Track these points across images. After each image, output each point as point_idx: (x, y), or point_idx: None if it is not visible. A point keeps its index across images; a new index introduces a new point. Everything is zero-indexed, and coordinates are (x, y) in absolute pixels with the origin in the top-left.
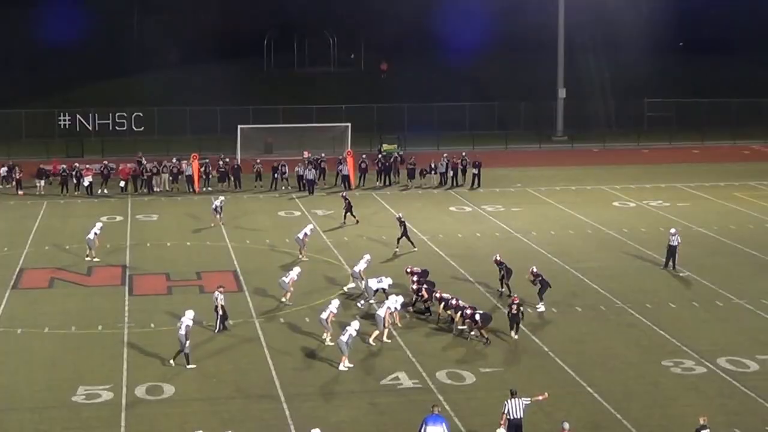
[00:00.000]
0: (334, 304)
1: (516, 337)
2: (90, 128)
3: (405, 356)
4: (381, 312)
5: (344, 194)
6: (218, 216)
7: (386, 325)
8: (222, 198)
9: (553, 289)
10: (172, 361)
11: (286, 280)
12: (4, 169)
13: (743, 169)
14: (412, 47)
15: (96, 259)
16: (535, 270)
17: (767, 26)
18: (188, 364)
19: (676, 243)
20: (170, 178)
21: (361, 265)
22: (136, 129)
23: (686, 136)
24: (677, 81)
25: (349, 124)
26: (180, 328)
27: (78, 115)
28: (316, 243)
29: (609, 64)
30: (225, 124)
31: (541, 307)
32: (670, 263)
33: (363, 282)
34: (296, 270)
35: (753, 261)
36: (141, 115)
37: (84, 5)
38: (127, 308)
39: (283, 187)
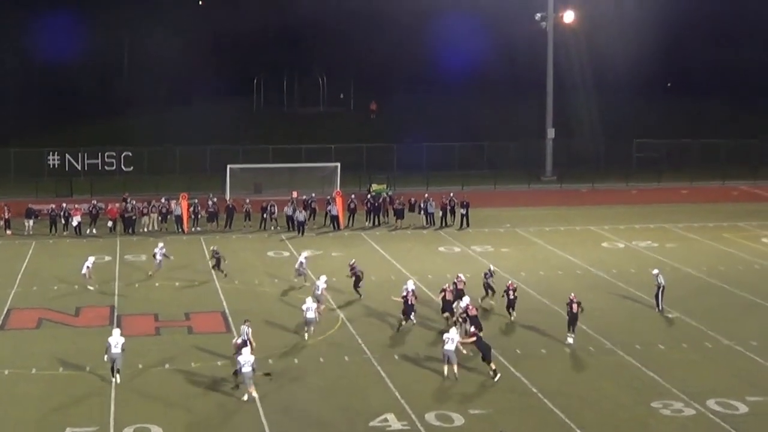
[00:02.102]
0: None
1: (571, 339)
2: (79, 168)
3: (393, 397)
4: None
5: (353, 264)
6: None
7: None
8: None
9: (542, 329)
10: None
11: (318, 292)
12: None
13: (732, 210)
14: (401, 87)
15: (96, 286)
16: (572, 296)
17: (754, 69)
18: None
19: (662, 283)
20: (159, 217)
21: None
22: (125, 168)
23: (675, 176)
24: (666, 121)
25: (339, 164)
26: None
27: (67, 155)
28: (306, 282)
29: (598, 104)
30: (214, 164)
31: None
32: (660, 303)
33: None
34: (323, 278)
35: (742, 302)
36: (130, 154)
37: (74, 46)
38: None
39: (273, 227)
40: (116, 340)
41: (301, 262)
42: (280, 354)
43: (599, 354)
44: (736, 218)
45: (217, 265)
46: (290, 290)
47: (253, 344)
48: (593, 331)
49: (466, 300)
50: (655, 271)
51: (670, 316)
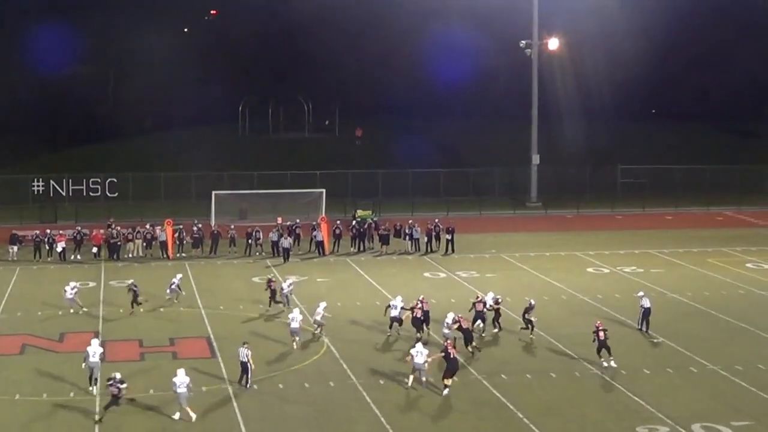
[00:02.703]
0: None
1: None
2: (63, 193)
3: (380, 423)
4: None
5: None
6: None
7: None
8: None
9: (528, 355)
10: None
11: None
12: None
13: (716, 235)
14: (387, 113)
15: (84, 309)
16: (598, 323)
17: (739, 94)
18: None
19: (647, 305)
20: (144, 244)
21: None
22: (110, 194)
23: (660, 202)
24: (650, 147)
25: (324, 190)
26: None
27: (52, 181)
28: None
29: (583, 130)
30: (200, 190)
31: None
32: (644, 325)
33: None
34: (322, 305)
35: (727, 327)
36: (115, 180)
37: (59, 71)
38: (99, 375)
39: (258, 253)
40: (94, 349)
41: (283, 288)
42: (265, 379)
43: (584, 378)
44: (721, 244)
45: (135, 300)
46: (275, 316)
47: (253, 366)
48: (578, 355)
49: (450, 315)
50: (640, 293)
51: (655, 341)
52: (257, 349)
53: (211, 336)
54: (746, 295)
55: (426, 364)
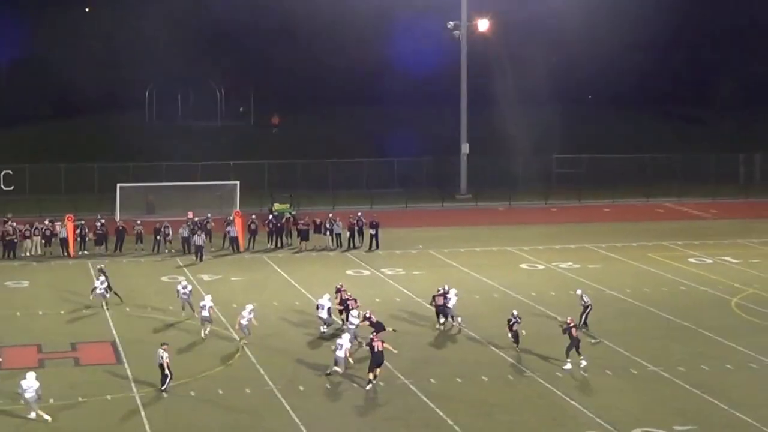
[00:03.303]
0: (346, 339)
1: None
2: None
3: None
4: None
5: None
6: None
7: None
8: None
9: (458, 357)
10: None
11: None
12: None
13: (657, 229)
14: (305, 99)
15: None
16: (569, 321)
17: (679, 80)
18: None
19: (588, 302)
20: (42, 241)
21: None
22: (5, 188)
23: (597, 193)
24: (586, 136)
25: (238, 182)
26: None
27: None
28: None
29: (516, 118)
30: (103, 183)
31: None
32: (583, 322)
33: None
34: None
35: (668, 325)
36: (10, 172)
37: None
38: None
39: (167, 250)
40: (29, 383)
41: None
42: (175, 386)
43: (518, 383)
44: (662, 237)
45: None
46: (187, 319)
47: (172, 371)
48: (512, 357)
49: (354, 312)
50: (579, 292)
51: (593, 341)
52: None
53: (117, 340)
54: (688, 291)
55: (345, 359)
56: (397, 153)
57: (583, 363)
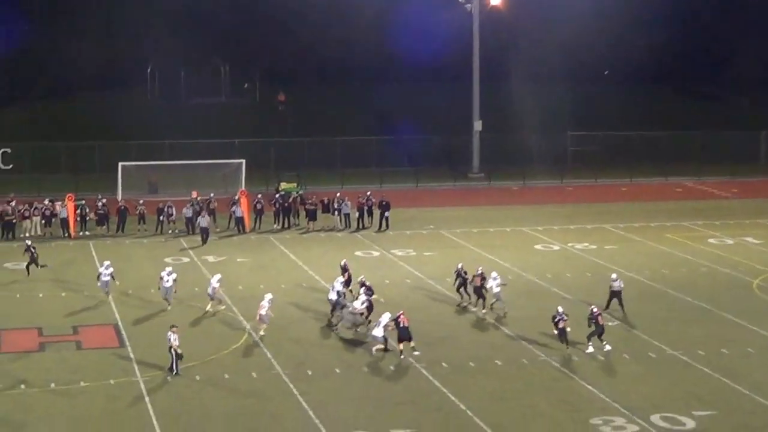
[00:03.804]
0: (386, 317)
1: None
2: None
3: (308, 417)
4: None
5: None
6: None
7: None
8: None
9: (471, 341)
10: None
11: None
12: None
13: (675, 208)
14: (312, 76)
15: None
16: (595, 310)
17: (699, 55)
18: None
19: (619, 288)
20: (42, 221)
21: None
22: (4, 167)
23: (613, 172)
24: (603, 113)
25: (243, 161)
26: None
27: None
28: (206, 292)
29: (530, 94)
30: (104, 162)
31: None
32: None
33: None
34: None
35: (687, 308)
36: (9, 151)
37: None
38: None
39: (170, 231)
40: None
41: (214, 287)
42: (181, 368)
43: (532, 366)
44: (681, 217)
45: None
46: (190, 299)
47: (179, 352)
48: (526, 341)
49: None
50: (614, 276)
51: (610, 323)
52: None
53: (120, 323)
54: (708, 272)
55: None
56: (407, 130)
57: (608, 348)
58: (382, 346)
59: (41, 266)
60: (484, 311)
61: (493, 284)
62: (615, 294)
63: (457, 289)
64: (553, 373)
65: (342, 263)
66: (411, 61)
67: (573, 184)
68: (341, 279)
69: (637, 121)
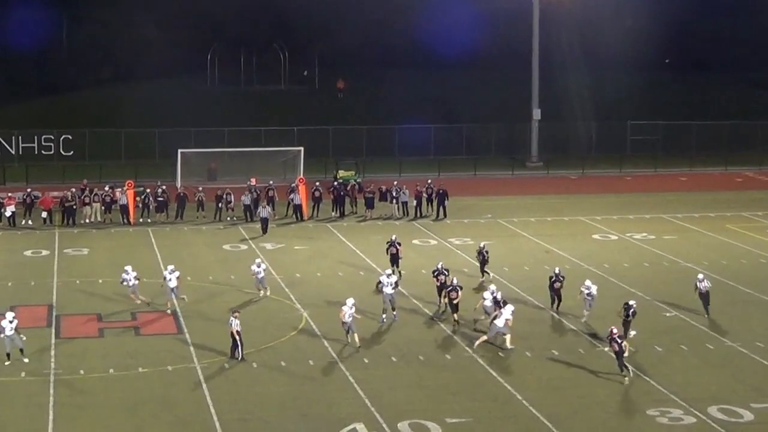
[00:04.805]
0: (509, 310)
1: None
2: (12, 152)
3: (363, 404)
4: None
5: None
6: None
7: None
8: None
9: (528, 331)
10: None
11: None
12: None
13: (735, 198)
14: (371, 64)
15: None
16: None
17: (761, 43)
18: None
19: (706, 289)
20: (103, 207)
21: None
22: (64, 153)
23: (673, 161)
24: (663, 101)
25: (302, 149)
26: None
27: None
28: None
29: (589, 82)
30: (164, 148)
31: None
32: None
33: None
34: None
35: (747, 299)
36: (70, 137)
37: (5, 14)
38: (53, 353)
39: (229, 218)
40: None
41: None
42: (245, 353)
43: (589, 357)
44: (741, 207)
45: None
46: (246, 287)
47: (241, 338)
48: (583, 331)
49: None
50: (700, 276)
51: (667, 314)
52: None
53: (178, 310)
54: None
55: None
56: (465, 119)
57: (633, 333)
58: (507, 336)
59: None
60: (554, 311)
61: (585, 293)
62: (703, 296)
63: (481, 268)
64: (610, 364)
65: (480, 245)
66: (470, 48)
67: (632, 174)
68: (388, 271)
69: (698, 110)
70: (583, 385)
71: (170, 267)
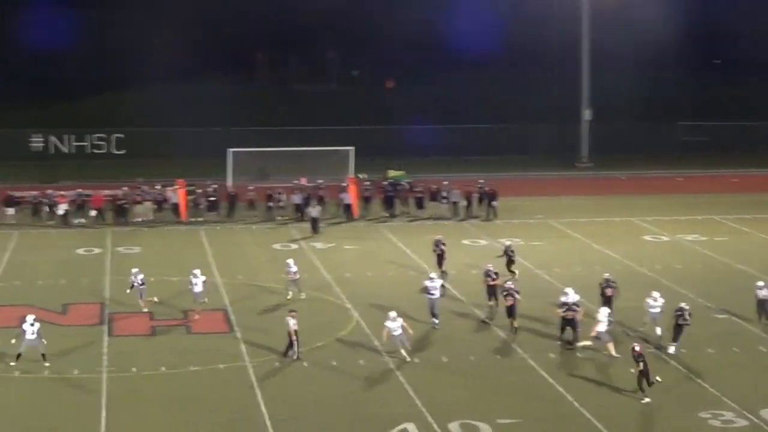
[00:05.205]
0: (604, 312)
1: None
2: (65, 151)
3: (413, 404)
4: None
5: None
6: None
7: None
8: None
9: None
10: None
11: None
12: None
13: None
14: (421, 63)
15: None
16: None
17: None
18: None
19: (766, 296)
20: (154, 206)
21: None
22: (116, 152)
23: (725, 162)
24: (715, 102)
25: (352, 148)
26: None
27: (52, 136)
28: (314, 280)
29: (640, 82)
30: (214, 147)
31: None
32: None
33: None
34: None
35: None
36: (122, 136)
37: (57, 15)
38: (105, 350)
39: (279, 217)
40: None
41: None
42: (299, 352)
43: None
44: None
45: None
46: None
47: (296, 338)
48: (634, 333)
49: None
50: (761, 283)
51: (719, 316)
52: (278, 324)
53: (229, 308)
54: None
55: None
56: (514, 118)
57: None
58: (611, 343)
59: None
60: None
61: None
62: (762, 303)
63: (508, 267)
64: (662, 366)
65: (506, 244)
66: (518, 47)
67: (683, 175)
68: (433, 275)
69: (751, 111)
70: (635, 387)
71: (196, 271)
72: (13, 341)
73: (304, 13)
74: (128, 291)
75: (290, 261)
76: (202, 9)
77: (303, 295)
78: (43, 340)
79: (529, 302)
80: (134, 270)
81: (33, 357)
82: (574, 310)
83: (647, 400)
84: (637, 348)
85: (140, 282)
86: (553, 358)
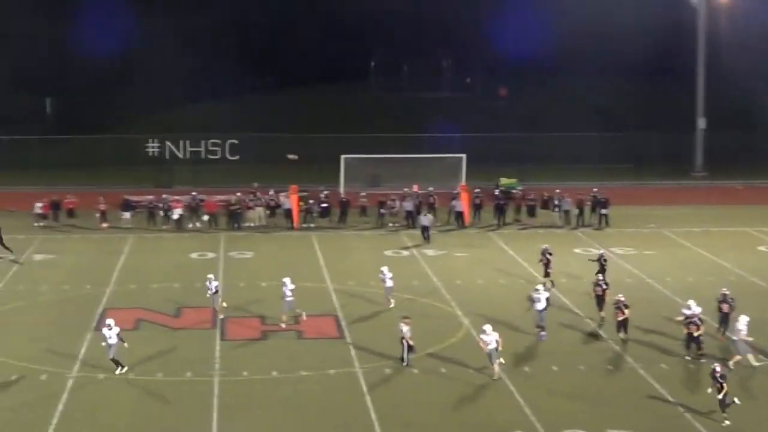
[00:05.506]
0: (743, 321)
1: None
2: (180, 156)
3: (523, 413)
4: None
5: (546, 249)
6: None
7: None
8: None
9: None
10: None
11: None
12: (39, 205)
13: None
14: (534, 71)
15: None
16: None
17: None
18: None
19: None
20: (267, 212)
21: None
22: (230, 157)
23: None
24: None
25: (464, 155)
26: None
27: (167, 142)
28: (425, 287)
29: (755, 90)
30: (327, 154)
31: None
32: None
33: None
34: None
35: None
36: (236, 142)
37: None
38: (218, 354)
39: (391, 224)
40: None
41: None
42: (399, 362)
43: (760, 372)
44: None
45: None
46: (406, 292)
47: (412, 344)
48: (750, 345)
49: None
50: None
51: None
52: (389, 330)
53: (339, 314)
54: None
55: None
56: (627, 127)
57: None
58: (750, 356)
59: None
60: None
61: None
62: None
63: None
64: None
65: (599, 254)
66: (632, 56)
67: None
68: (539, 286)
69: None
70: (754, 403)
71: (210, 275)
72: (104, 345)
73: (418, 21)
74: (208, 295)
75: (384, 269)
76: (316, 16)
77: (392, 304)
78: (125, 344)
79: (640, 312)
80: (210, 276)
81: (144, 360)
82: (697, 324)
83: (727, 423)
84: (718, 368)
85: (214, 289)
86: (665, 369)
